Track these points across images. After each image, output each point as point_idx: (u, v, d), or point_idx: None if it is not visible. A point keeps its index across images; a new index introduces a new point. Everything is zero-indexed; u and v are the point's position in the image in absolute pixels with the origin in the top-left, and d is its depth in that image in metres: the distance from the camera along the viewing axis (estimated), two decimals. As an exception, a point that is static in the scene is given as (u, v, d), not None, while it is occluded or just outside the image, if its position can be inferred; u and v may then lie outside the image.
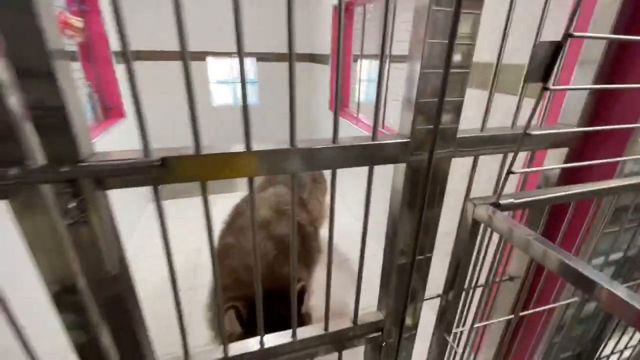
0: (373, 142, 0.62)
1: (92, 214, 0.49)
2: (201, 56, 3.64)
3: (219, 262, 0.98)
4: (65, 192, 0.47)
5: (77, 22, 2.16)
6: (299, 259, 1.12)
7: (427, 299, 0.82)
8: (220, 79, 3.99)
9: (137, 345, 0.64)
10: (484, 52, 1.34)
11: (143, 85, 0.59)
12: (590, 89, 0.76)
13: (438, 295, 0.71)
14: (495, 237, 0.61)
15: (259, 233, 1.08)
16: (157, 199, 0.54)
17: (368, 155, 0.63)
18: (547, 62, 0.42)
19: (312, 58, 3.73)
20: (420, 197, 0.70)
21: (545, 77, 0.44)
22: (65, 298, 0.53)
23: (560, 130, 0.76)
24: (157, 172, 0.50)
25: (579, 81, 0.77)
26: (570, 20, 0.40)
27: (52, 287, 0.52)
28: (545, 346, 0.96)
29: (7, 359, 0.81)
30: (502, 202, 0.55)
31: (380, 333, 0.85)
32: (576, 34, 0.41)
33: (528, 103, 0.68)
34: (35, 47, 0.40)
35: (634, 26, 0.70)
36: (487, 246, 0.70)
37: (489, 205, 0.55)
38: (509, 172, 0.52)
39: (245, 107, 0.52)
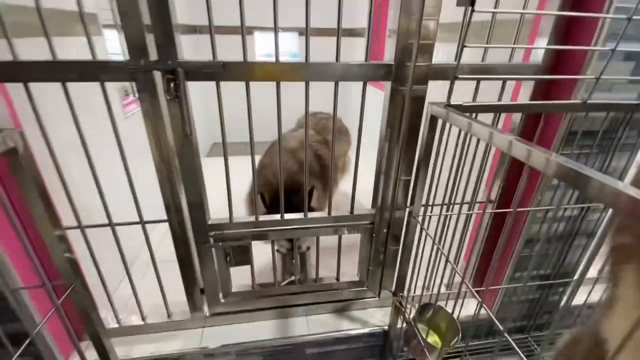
0: (366, 63, 0.86)
1: (181, 94, 0.79)
2: (250, 30, 3.98)
3: (258, 172, 1.29)
4: (168, 78, 0.77)
5: None
6: (315, 177, 1.40)
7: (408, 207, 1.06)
8: (267, 52, 4.31)
9: (200, 206, 0.96)
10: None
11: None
12: (510, 13, 0.90)
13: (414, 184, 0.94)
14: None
15: (286, 155, 1.38)
16: (219, 94, 0.84)
17: (362, 73, 0.87)
18: (471, -11, 0.63)
19: (350, 32, 3.90)
20: (399, 118, 0.93)
21: (472, 2, 0.65)
22: (159, 154, 0.85)
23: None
24: (220, 72, 0.79)
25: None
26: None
27: (154, 147, 0.84)
28: (516, 259, 1.15)
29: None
30: (453, 103, 0.77)
31: (371, 225, 1.11)
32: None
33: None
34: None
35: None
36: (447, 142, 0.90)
37: (442, 106, 0.77)
38: (455, 77, 0.74)
39: (276, 43, 0.79)
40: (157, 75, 0.77)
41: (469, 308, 0.97)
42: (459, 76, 0.75)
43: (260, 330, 1.18)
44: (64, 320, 0.83)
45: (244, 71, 0.81)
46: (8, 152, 0.69)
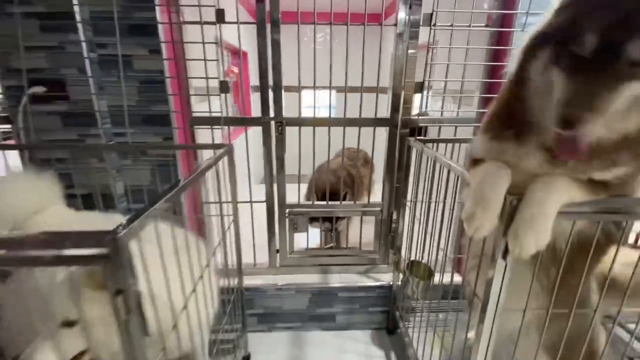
0: (374, 118, 1.65)
1: (284, 133, 1.62)
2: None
3: (312, 182, 2.08)
4: (278, 125, 1.61)
5: (235, 69, 3.67)
6: (348, 187, 2.16)
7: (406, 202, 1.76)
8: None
9: (283, 194, 1.75)
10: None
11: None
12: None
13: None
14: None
15: (330, 173, 2.17)
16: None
17: (373, 122, 1.66)
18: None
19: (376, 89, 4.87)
20: (393, 148, 1.68)
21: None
22: (269, 163, 1.67)
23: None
24: (301, 123, 1.62)
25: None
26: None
27: (266, 160, 1.67)
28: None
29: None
30: (421, 138, 1.52)
31: (381, 210, 1.82)
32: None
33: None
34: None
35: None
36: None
37: (414, 140, 1.52)
38: (419, 127, 1.50)
39: (330, 102, 1.61)
40: (273, 123, 1.62)
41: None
42: (421, 125, 1.51)
43: (310, 277, 1.87)
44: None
45: (311, 121, 1.64)
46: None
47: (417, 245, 1.67)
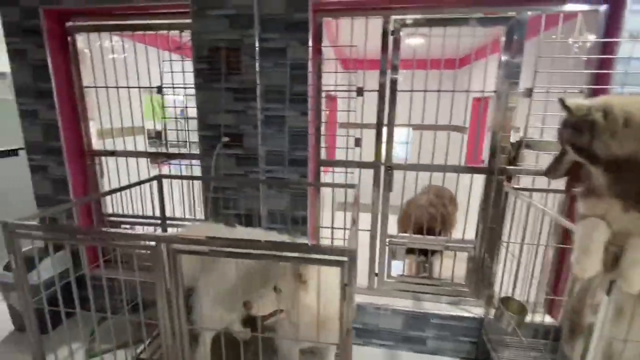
0: (470, 166, 1.93)
1: (392, 177, 1.98)
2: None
3: (403, 216, 2.39)
4: (387, 168, 1.98)
5: (326, 111, 4.26)
6: (438, 222, 2.42)
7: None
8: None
9: (386, 227, 2.09)
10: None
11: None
12: None
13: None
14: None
15: (421, 209, 2.46)
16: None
17: (466, 169, 1.93)
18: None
19: (455, 128, 5.05)
20: (489, 192, 1.92)
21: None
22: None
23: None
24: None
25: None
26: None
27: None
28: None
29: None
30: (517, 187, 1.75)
31: (473, 247, 2.03)
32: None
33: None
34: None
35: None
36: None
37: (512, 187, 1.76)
38: (509, 177, 1.74)
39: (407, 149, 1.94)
40: (382, 168, 1.99)
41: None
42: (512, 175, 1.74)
43: (404, 301, 2.13)
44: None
45: (415, 167, 1.97)
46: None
47: (510, 283, 1.84)
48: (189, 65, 1.98)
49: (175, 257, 1.00)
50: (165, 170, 2.63)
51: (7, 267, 2.19)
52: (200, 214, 2.23)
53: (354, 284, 0.96)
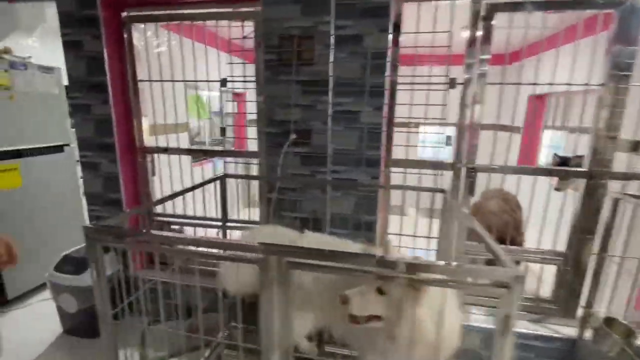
0: (566, 169, 1.71)
1: (475, 180, 1.78)
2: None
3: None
4: (470, 170, 1.79)
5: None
6: (512, 228, 2.20)
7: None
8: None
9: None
10: None
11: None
12: None
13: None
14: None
15: (492, 215, 2.24)
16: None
17: (557, 171, 1.71)
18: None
19: (503, 127, 4.76)
20: (591, 201, 1.70)
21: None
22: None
23: None
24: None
25: None
26: None
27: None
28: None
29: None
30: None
31: (563, 260, 1.81)
32: None
33: None
34: (475, 136, 1.76)
35: None
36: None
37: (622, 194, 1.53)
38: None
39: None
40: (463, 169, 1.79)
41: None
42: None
43: (481, 317, 1.92)
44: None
45: (502, 169, 1.77)
46: (408, 195, 1.78)
47: (613, 301, 1.61)
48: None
49: (288, 271, 0.84)
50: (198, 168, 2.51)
51: (57, 268, 2.11)
52: (252, 216, 2.10)
53: (515, 314, 0.78)
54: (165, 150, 2.15)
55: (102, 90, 2.01)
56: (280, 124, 1.78)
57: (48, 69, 2.64)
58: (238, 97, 3.88)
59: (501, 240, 1.97)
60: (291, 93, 1.71)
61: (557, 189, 2.32)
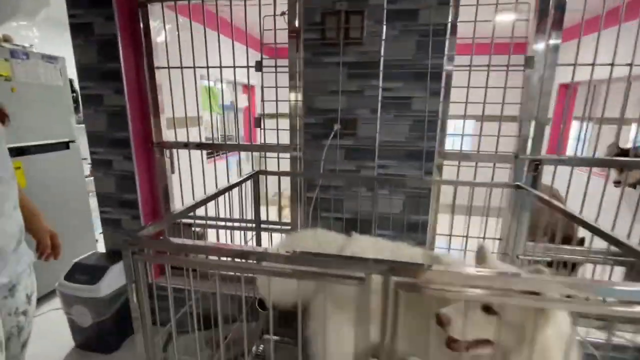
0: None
1: (540, 174, 1.59)
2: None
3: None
4: (534, 163, 1.58)
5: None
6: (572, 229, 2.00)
7: None
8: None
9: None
10: None
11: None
12: None
13: None
14: None
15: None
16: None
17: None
18: None
19: (513, 118, 4.57)
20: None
21: None
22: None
23: None
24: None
25: None
26: None
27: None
28: None
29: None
30: None
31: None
32: None
33: None
34: (542, 124, 1.55)
35: None
36: None
37: None
38: None
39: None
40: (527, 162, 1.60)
41: None
42: None
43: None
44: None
45: (571, 161, 1.57)
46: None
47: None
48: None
49: (397, 295, 0.64)
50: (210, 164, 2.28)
51: (68, 277, 1.90)
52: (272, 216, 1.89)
53: None
54: (186, 145, 1.93)
55: (115, 79, 1.79)
56: (320, 113, 1.57)
57: (52, 58, 2.41)
58: (248, 90, 3.65)
59: (567, 240, 1.79)
60: (336, 77, 1.50)
61: (616, 183, 2.14)
